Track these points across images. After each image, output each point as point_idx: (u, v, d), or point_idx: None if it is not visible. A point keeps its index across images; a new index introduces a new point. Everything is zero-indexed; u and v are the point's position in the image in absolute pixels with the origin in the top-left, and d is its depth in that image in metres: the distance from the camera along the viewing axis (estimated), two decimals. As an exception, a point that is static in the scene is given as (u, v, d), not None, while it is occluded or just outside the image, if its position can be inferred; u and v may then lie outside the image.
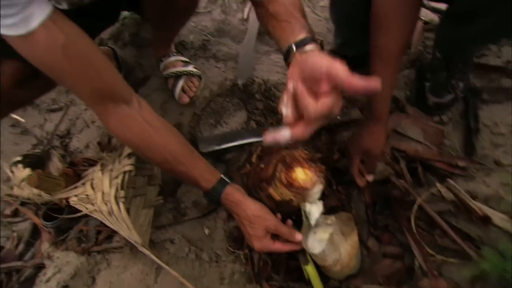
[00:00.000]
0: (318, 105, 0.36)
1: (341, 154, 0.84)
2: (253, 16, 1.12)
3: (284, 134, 0.39)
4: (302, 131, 0.39)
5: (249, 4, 1.18)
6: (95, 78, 0.54)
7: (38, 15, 0.46)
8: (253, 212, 0.63)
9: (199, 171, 0.64)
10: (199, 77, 0.98)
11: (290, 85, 0.41)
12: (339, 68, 0.35)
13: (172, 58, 0.98)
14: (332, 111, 0.37)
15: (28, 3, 0.45)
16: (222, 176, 0.66)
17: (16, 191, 0.89)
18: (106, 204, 0.74)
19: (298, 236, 0.63)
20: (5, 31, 0.46)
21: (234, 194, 0.64)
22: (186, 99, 0.95)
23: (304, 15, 0.56)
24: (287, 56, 0.51)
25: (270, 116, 0.86)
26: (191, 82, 0.96)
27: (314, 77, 0.37)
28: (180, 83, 0.95)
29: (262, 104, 0.88)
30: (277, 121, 0.84)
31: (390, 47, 0.61)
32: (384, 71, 0.63)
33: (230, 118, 0.89)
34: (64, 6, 0.61)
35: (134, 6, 0.85)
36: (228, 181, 0.66)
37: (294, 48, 0.50)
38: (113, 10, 0.86)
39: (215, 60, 1.05)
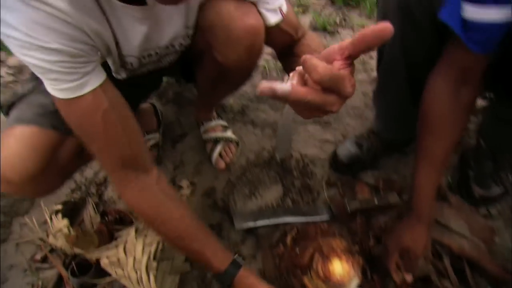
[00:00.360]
0: (328, 65, 0.30)
1: (376, 240, 0.80)
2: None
3: (283, 87, 0.31)
4: (305, 91, 0.31)
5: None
6: (124, 146, 0.55)
7: (93, 83, 0.49)
8: None
9: (212, 251, 0.62)
10: (237, 143, 1.01)
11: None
12: (348, 40, 0.30)
13: (213, 123, 1.03)
14: (342, 81, 0.30)
15: (89, 72, 0.48)
16: (235, 257, 0.64)
17: (51, 239, 0.91)
18: (136, 271, 0.73)
19: None
20: (55, 93, 0.48)
21: (249, 277, 0.62)
22: (222, 165, 0.97)
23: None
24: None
25: (306, 195, 0.85)
26: (229, 148, 0.99)
27: (327, 58, 0.31)
28: (218, 148, 0.98)
29: (299, 182, 0.88)
30: (313, 200, 0.83)
31: (437, 150, 0.61)
32: (429, 172, 0.62)
33: (266, 191, 0.90)
34: (123, 75, 0.67)
35: (174, 73, 0.91)
36: (241, 262, 0.64)
37: None
38: (159, 78, 0.93)
39: (252, 126, 1.09)
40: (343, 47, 0.31)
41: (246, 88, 1.22)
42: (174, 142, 1.11)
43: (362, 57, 1.35)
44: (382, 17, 0.66)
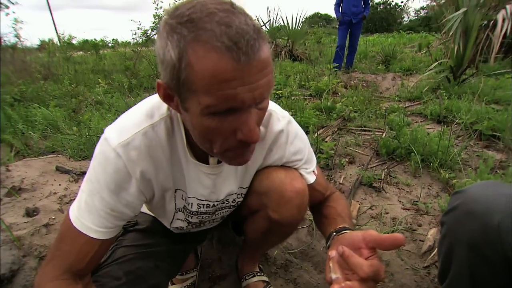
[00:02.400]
0: (369, 262, 0.45)
1: None
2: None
3: None
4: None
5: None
6: (80, 263, 0.57)
7: (100, 235, 0.58)
8: None
9: None
10: (277, 307, 0.97)
11: (334, 252, 0.50)
12: (371, 232, 0.50)
13: (255, 279, 1.02)
14: (380, 271, 0.45)
15: (106, 227, 0.58)
16: None
17: None
18: None
19: None
20: (72, 215, 0.57)
21: None
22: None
23: (350, 218, 0.74)
24: (328, 240, 0.66)
25: None
26: (267, 307, 0.95)
27: (353, 245, 0.51)
28: (257, 306, 0.95)
29: None
30: None
31: None
32: None
33: None
34: (179, 224, 0.78)
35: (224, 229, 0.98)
36: None
37: (334, 233, 0.65)
38: (204, 235, 1.00)
39: (294, 285, 1.06)
40: (367, 239, 0.49)
41: (291, 241, 1.24)
42: (212, 282, 1.10)
43: (410, 225, 1.34)
44: (448, 247, 0.66)
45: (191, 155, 0.63)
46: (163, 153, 0.60)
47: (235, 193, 0.75)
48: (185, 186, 0.67)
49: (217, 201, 0.72)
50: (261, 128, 0.64)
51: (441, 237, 0.72)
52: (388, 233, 1.26)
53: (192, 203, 0.71)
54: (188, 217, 0.75)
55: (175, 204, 0.71)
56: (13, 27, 5.55)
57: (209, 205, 0.73)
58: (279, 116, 0.70)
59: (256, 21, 0.45)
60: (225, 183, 0.70)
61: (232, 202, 0.77)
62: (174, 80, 0.44)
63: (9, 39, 5.50)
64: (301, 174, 0.75)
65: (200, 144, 0.54)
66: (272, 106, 0.70)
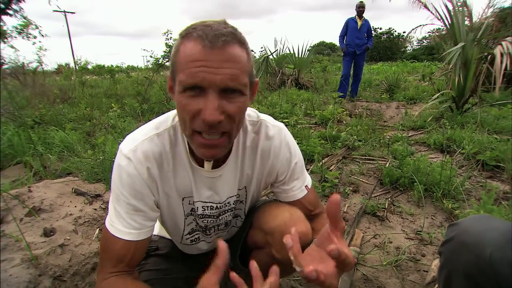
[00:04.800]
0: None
1: None
2: (343, 277, 1.20)
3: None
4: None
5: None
6: (127, 261, 0.67)
7: (131, 236, 0.66)
8: None
9: None
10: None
11: (289, 240, 0.49)
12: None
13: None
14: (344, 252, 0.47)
15: (135, 228, 0.66)
16: None
17: None
18: None
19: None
20: (108, 224, 0.66)
21: None
22: None
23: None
24: None
25: None
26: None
27: (323, 236, 0.54)
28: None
29: None
30: None
31: None
32: None
33: None
34: (185, 236, 0.83)
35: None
36: None
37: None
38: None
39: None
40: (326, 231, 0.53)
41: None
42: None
43: (413, 254, 1.36)
44: (446, 276, 0.70)
45: (193, 160, 0.71)
46: (167, 161, 0.69)
47: (235, 195, 0.80)
48: (191, 191, 0.74)
49: (219, 203, 0.78)
50: (252, 134, 0.75)
51: (440, 266, 0.76)
52: (392, 263, 1.28)
53: (198, 207, 0.77)
54: (196, 219, 0.81)
55: (184, 210, 0.77)
56: (37, 54, 5.95)
57: (213, 207, 0.78)
58: (269, 125, 0.77)
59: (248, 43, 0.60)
60: (225, 186, 0.76)
61: (233, 204, 0.82)
62: (172, 67, 0.59)
63: (32, 65, 5.87)
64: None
65: (182, 130, 0.63)
66: (265, 116, 0.78)
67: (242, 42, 0.57)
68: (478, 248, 0.64)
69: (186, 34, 0.56)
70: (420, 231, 1.51)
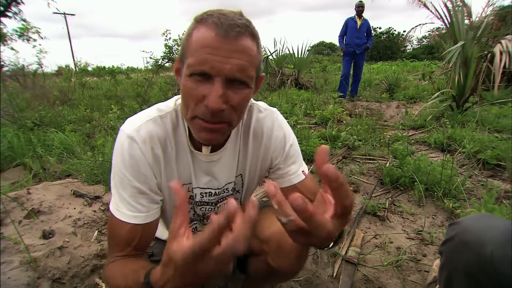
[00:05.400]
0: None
1: None
2: (344, 278, 1.19)
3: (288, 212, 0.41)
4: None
5: (339, 261, 1.29)
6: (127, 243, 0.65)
7: (136, 220, 0.64)
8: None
9: None
10: None
11: (271, 187, 0.41)
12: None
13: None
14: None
15: (141, 211, 0.65)
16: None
17: None
18: None
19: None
20: (112, 209, 0.65)
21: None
22: None
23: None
24: None
25: None
26: None
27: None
28: None
29: None
30: None
31: None
32: None
33: None
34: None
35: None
36: None
37: None
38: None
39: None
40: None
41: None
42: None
43: (414, 254, 1.35)
44: (447, 275, 0.70)
45: (191, 145, 0.71)
46: (170, 144, 0.69)
47: (233, 182, 0.80)
48: (190, 177, 0.74)
49: (218, 189, 0.78)
50: (245, 117, 0.75)
51: (440, 266, 0.75)
52: (393, 263, 1.28)
53: (196, 194, 0.77)
54: (195, 207, 0.80)
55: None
56: (37, 56, 5.96)
57: (211, 193, 0.78)
58: (261, 108, 0.78)
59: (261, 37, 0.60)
60: (223, 171, 0.76)
61: (232, 191, 0.81)
62: (182, 50, 0.59)
63: (32, 67, 5.89)
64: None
65: (184, 113, 0.62)
66: (257, 102, 0.79)
67: (254, 36, 0.57)
68: (479, 247, 0.64)
69: (202, 19, 0.56)
70: (421, 231, 1.51)
